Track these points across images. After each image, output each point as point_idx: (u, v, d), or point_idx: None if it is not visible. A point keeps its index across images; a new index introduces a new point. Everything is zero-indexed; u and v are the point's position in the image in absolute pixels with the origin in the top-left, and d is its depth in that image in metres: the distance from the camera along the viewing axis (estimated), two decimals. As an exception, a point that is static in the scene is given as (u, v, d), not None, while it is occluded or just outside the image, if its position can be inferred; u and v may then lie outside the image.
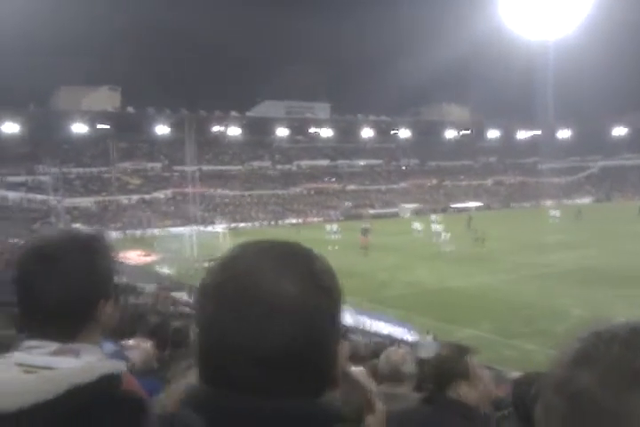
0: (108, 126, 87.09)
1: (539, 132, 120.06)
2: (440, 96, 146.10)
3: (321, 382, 0.84)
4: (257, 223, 76.45)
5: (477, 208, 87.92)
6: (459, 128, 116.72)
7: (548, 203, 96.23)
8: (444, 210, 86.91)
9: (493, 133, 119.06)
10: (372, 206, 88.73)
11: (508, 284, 25.76)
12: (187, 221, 65.90)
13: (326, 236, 51.90)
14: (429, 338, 15.23)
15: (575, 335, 0.65)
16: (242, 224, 74.48)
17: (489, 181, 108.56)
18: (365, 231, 41.67)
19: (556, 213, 61.44)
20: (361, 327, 17.30)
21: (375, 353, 7.35)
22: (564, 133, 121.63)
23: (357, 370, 3.06)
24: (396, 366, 3.73)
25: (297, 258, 0.94)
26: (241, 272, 0.86)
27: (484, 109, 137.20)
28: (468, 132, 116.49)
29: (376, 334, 16.30)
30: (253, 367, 0.79)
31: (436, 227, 47.74)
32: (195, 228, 46.36)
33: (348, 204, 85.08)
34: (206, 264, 32.83)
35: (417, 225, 48.59)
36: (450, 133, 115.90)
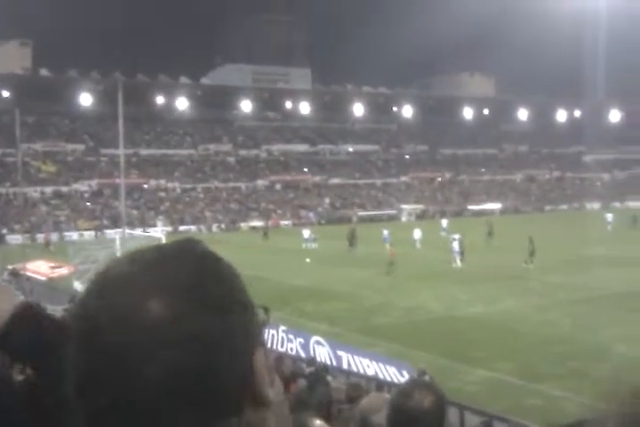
0: (12, 94, 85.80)
1: (584, 114, 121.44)
2: (457, 64, 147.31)
3: (226, 406, 0.92)
4: (210, 226, 76.22)
5: (502, 211, 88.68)
6: (480, 106, 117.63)
7: (594, 206, 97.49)
8: (459, 213, 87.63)
9: (525, 114, 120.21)
10: (363, 207, 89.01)
11: (538, 311, 25.94)
12: (117, 222, 65.49)
13: (302, 244, 51.96)
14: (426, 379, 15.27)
15: (615, 395, 0.68)
16: (190, 227, 74.27)
17: (518, 177, 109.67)
18: (389, 241, 41.95)
19: (609, 216, 62.09)
20: (339, 366, 17.29)
21: (351, 398, 7.37)
22: (615, 116, 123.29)
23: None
24: (366, 415, 3.73)
25: (174, 267, 0.94)
26: (99, 307, 0.91)
27: (513, 82, 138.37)
28: (493, 111, 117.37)
29: (359, 375, 16.29)
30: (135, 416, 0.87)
31: (448, 237, 48.06)
32: (128, 232, 46.03)
33: (308, 213, 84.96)
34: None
35: (418, 233, 48.79)
36: (468, 113, 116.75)
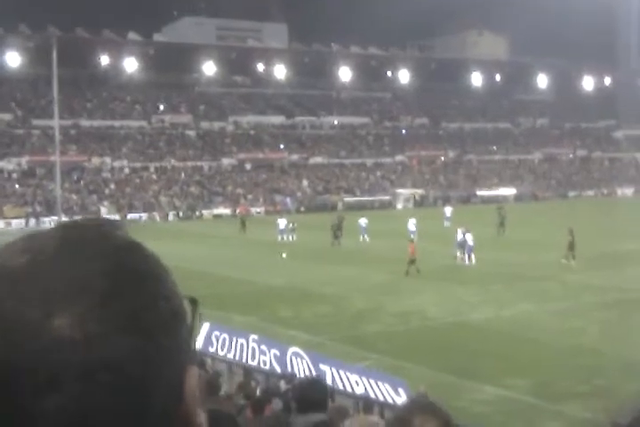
0: None
1: (615, 82, 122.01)
2: (464, 20, 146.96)
3: None
4: (165, 214, 76.01)
5: (517, 198, 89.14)
6: (491, 71, 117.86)
7: (626, 192, 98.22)
8: (466, 200, 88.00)
9: (544, 81, 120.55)
10: (350, 191, 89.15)
11: (560, 317, 26.13)
12: (52, 209, 65.14)
13: (277, 236, 52.00)
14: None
15: None
16: (141, 215, 74.03)
17: (536, 156, 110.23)
18: (411, 236, 41.99)
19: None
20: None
21: (334, 423, 7.39)
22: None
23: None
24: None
25: (84, 266, 0.87)
26: None
27: (530, 43, 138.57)
28: (506, 77, 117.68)
29: (346, 394, 16.33)
30: None
31: (453, 228, 48.17)
32: (63, 220, 45.75)
33: (284, 198, 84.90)
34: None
35: (413, 224, 48.97)
36: (477, 79, 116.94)
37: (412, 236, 46.58)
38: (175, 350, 0.90)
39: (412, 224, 49.12)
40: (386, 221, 58.48)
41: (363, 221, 50.88)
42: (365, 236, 50.10)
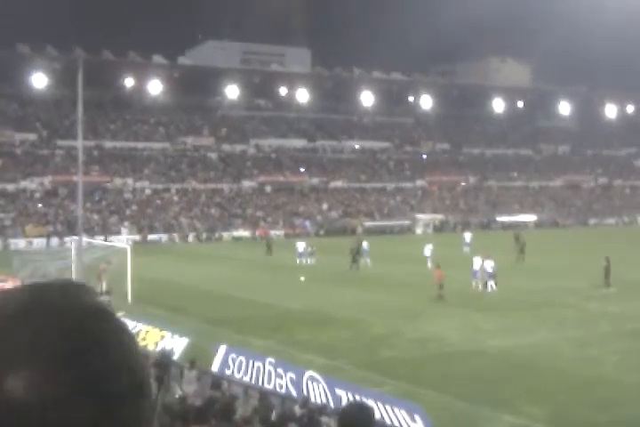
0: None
1: (637, 110, 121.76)
2: (487, 47, 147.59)
3: None
4: (185, 235, 76.32)
5: (537, 224, 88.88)
6: (513, 97, 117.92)
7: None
8: (485, 226, 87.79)
9: (567, 108, 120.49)
10: (370, 215, 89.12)
11: (577, 346, 26.00)
12: (73, 228, 65.47)
13: (296, 259, 52.18)
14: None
15: None
16: (161, 236, 74.37)
17: (557, 183, 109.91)
18: (435, 260, 41.90)
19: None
20: (339, 407, 17.29)
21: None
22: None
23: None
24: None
25: (46, 329, 0.85)
26: None
27: (553, 70, 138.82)
28: (528, 104, 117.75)
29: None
30: None
31: (471, 255, 48.05)
32: (86, 240, 46.07)
33: (304, 221, 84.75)
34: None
35: (429, 250, 49.00)
36: (499, 105, 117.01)
37: (428, 261, 46.68)
38: (134, 422, 0.87)
39: (427, 250, 49.16)
40: (405, 246, 58.47)
41: (365, 245, 51.22)
42: (368, 259, 50.17)
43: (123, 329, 0.90)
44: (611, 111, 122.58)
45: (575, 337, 27.36)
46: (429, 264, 47.25)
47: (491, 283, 38.75)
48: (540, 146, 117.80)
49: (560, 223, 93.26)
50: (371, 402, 17.17)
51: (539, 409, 18.97)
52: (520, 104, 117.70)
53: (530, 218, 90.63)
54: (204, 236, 77.35)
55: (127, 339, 0.89)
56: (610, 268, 38.48)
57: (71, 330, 0.84)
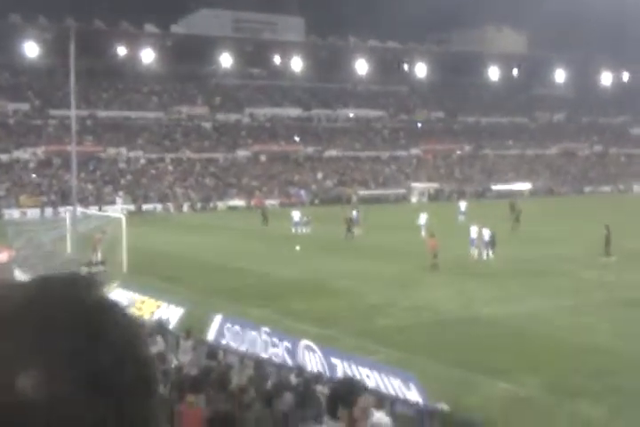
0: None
1: (633, 78, 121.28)
2: (482, 15, 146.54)
3: None
4: (180, 205, 76.22)
5: (532, 192, 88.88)
6: (508, 65, 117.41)
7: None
8: (481, 194, 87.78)
9: (562, 76, 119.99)
10: (365, 184, 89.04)
11: (573, 314, 26.07)
12: (67, 198, 65.29)
13: (292, 229, 52.21)
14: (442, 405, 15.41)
15: None
16: (156, 206, 74.28)
17: (552, 151, 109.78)
18: (429, 229, 41.71)
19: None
20: (333, 376, 17.36)
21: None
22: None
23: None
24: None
25: (52, 324, 0.84)
26: None
27: (548, 38, 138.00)
28: (523, 71, 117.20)
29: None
30: None
31: (467, 221, 48.00)
32: (80, 210, 46.00)
33: (299, 191, 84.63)
34: (83, 269, 32.95)
35: (423, 218, 49.00)
36: (494, 73, 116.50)
37: (422, 230, 46.74)
38: (142, 417, 0.88)
39: (422, 218, 49.14)
40: (400, 215, 58.46)
41: (354, 214, 51.50)
42: (357, 228, 50.20)
43: (129, 324, 0.90)
44: (606, 79, 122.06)
45: (569, 305, 27.44)
46: (423, 233, 47.27)
47: (488, 252, 38.78)
48: (535, 114, 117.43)
49: (555, 191, 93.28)
50: (365, 370, 17.25)
51: (533, 377, 19.06)
52: (515, 72, 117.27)
53: (525, 186, 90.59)
54: (199, 205, 77.27)
55: (134, 333, 0.89)
56: (610, 236, 38.49)
57: (77, 327, 0.85)
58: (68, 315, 0.86)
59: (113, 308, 0.89)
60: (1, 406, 0.80)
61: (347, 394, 4.66)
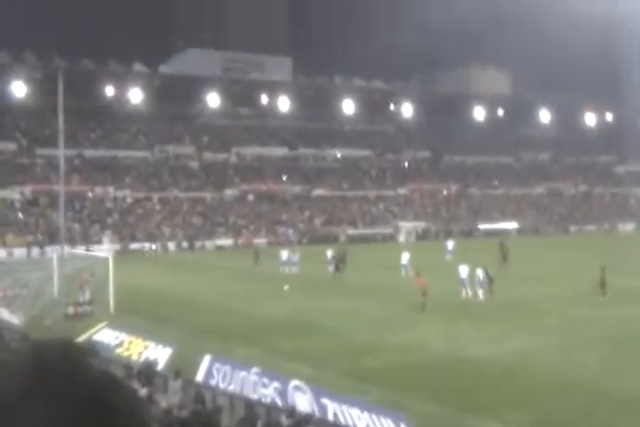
0: None
1: (616, 119, 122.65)
2: (467, 55, 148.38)
3: None
4: (166, 244, 76.06)
5: (519, 232, 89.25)
6: (494, 105, 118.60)
7: (628, 227, 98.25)
8: (468, 234, 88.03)
9: (547, 116, 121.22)
10: (353, 223, 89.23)
11: (561, 351, 26.08)
12: (54, 238, 65.15)
13: (280, 267, 52.15)
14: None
15: None
16: (143, 245, 74.07)
17: (538, 191, 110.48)
18: (416, 268, 41.56)
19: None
20: (323, 417, 17.29)
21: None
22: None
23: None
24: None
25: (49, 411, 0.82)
26: None
27: (533, 78, 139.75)
28: (509, 112, 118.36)
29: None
30: None
31: (454, 260, 48.02)
32: (68, 250, 45.95)
33: (287, 230, 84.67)
34: (70, 310, 32.83)
35: (406, 258, 49.05)
36: (479, 113, 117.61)
37: (402, 270, 46.82)
38: None
39: (404, 258, 49.16)
40: (387, 254, 58.53)
41: (329, 253, 51.55)
42: (331, 267, 50.23)
43: (131, 397, 0.89)
44: (590, 119, 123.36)
45: (558, 343, 27.47)
46: (404, 273, 47.28)
47: (481, 291, 38.61)
48: (520, 154, 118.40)
49: (541, 230, 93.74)
50: (356, 411, 17.21)
51: (523, 416, 19.04)
52: (500, 112, 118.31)
53: (512, 225, 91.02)
54: (186, 244, 77.12)
55: (137, 407, 0.88)
56: (605, 277, 38.45)
57: (82, 406, 0.82)
58: (72, 392, 0.83)
59: (113, 380, 0.88)
60: None
61: None
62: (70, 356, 0.85)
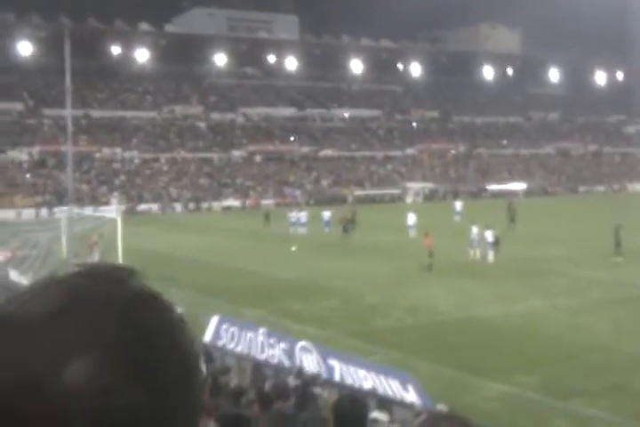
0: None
1: (627, 77, 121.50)
2: (476, 13, 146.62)
3: None
4: (173, 205, 76.11)
5: (527, 192, 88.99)
6: (503, 64, 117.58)
7: (638, 187, 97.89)
8: (476, 194, 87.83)
9: (556, 75, 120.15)
10: (360, 185, 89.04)
11: (568, 313, 26.11)
12: (62, 199, 65.28)
13: (289, 228, 52.21)
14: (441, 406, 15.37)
15: None
16: (151, 206, 74.14)
17: (547, 151, 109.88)
18: (424, 229, 41.38)
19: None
20: (330, 378, 17.34)
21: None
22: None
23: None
24: None
25: (95, 315, 0.85)
26: None
27: (543, 36, 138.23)
28: (518, 71, 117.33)
29: (353, 389, 16.31)
30: None
31: (462, 221, 47.96)
32: (75, 211, 45.91)
33: (294, 191, 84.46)
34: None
35: (412, 219, 48.91)
36: (489, 72, 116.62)
37: (409, 230, 46.74)
38: (187, 404, 0.90)
39: (411, 219, 49.01)
40: (395, 215, 58.46)
41: (326, 214, 51.84)
42: (327, 229, 50.72)
43: (170, 313, 0.92)
44: (600, 78, 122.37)
45: (566, 304, 27.50)
46: (411, 234, 47.19)
47: (491, 253, 38.48)
48: (529, 113, 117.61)
49: (549, 191, 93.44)
50: (363, 372, 17.23)
51: (530, 377, 19.07)
52: (510, 71, 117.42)
53: (520, 186, 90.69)
54: (193, 205, 77.15)
55: (175, 323, 0.92)
56: (620, 237, 38.08)
57: (120, 320, 0.85)
58: (113, 309, 0.86)
59: (153, 297, 0.92)
60: (48, 393, 0.81)
61: (351, 416, 4.65)
62: (113, 276, 0.89)
